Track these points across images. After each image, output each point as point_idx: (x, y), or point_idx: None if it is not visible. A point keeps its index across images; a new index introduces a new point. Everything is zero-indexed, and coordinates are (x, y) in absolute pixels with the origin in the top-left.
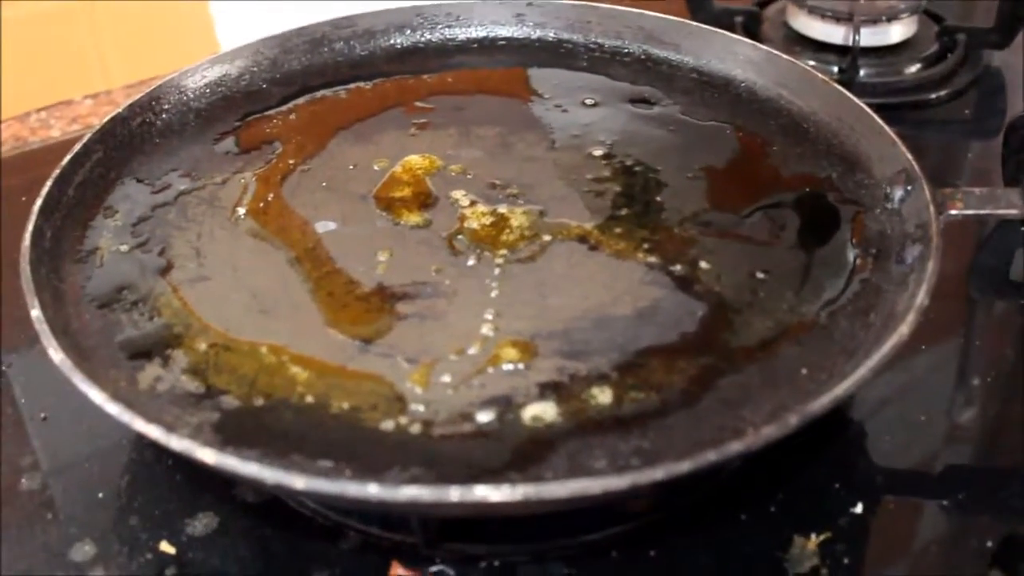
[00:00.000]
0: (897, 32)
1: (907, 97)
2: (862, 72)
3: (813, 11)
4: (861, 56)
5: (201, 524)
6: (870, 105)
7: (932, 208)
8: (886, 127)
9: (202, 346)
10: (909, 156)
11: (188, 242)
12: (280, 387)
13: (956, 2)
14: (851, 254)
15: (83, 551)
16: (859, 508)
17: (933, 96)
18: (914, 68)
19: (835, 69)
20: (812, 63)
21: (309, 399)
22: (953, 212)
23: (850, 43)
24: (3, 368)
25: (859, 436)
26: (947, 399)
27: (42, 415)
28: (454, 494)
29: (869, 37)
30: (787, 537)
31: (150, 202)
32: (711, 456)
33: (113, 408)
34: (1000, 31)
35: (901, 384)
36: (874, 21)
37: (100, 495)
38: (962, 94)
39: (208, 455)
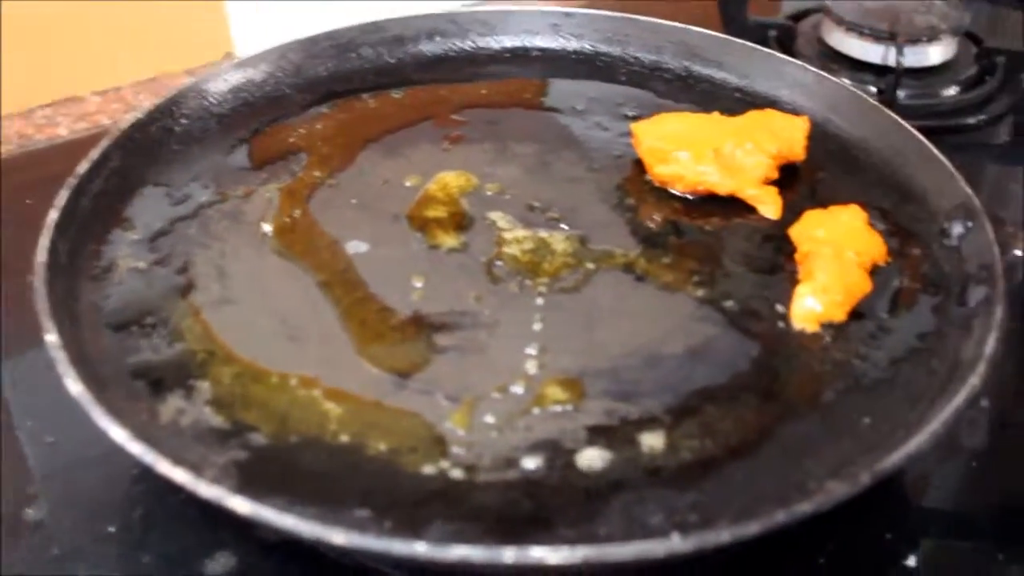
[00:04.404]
0: (937, 53)
1: (946, 121)
2: (900, 94)
3: (852, 29)
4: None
5: (220, 564)
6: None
7: (996, 248)
8: (943, 158)
9: (227, 376)
10: (968, 190)
11: (210, 260)
12: (313, 424)
13: (996, 23)
14: (915, 295)
15: None
16: (912, 561)
17: (972, 121)
18: (953, 91)
19: (873, 90)
20: (848, 82)
21: (344, 438)
22: (1018, 253)
23: (888, 63)
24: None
25: (906, 480)
26: (997, 439)
27: (48, 439)
28: (508, 555)
29: (908, 57)
30: None
31: (169, 215)
32: (780, 517)
33: (136, 448)
34: None
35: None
36: (914, 41)
37: (111, 529)
38: (1001, 119)
39: (241, 505)
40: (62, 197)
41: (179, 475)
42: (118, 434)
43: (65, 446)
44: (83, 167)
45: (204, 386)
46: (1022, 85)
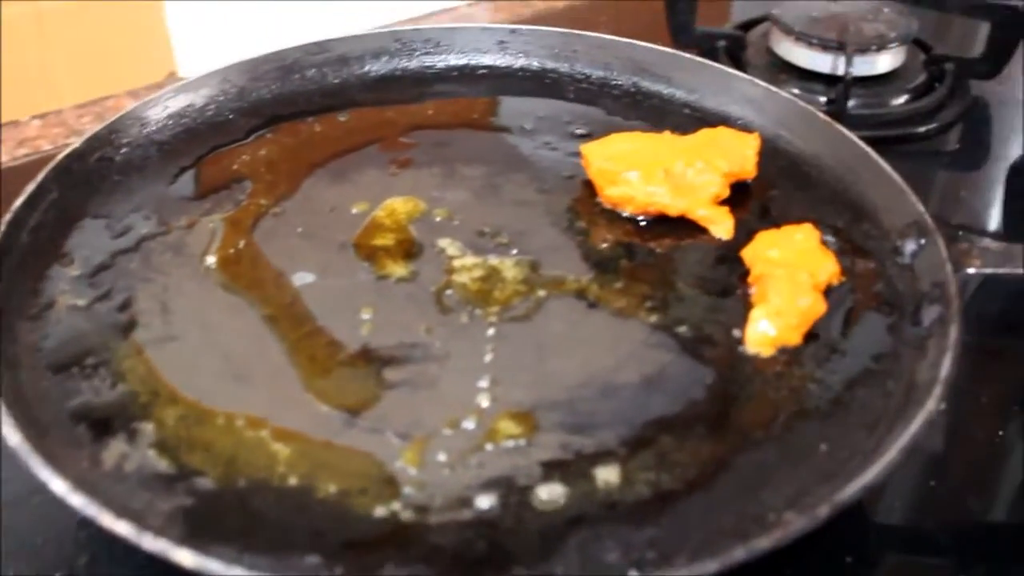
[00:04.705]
0: (886, 62)
1: (895, 130)
2: (849, 103)
3: (801, 38)
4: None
5: None
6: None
7: (949, 266)
8: (895, 175)
9: (171, 418)
10: (920, 207)
11: (153, 296)
12: (261, 467)
13: (944, 30)
14: (869, 315)
15: None
16: None
17: (922, 129)
18: (902, 99)
19: (822, 99)
20: (796, 91)
21: (293, 481)
22: (971, 271)
23: (838, 72)
24: None
25: (864, 500)
26: (956, 455)
27: None
28: None
29: (857, 66)
30: None
31: (110, 248)
32: (739, 554)
33: (77, 500)
34: (989, 60)
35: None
36: (863, 50)
37: None
38: (951, 126)
39: (187, 558)
40: None
41: (122, 528)
42: (58, 486)
43: (7, 490)
44: (18, 201)
45: (148, 429)
46: (971, 92)
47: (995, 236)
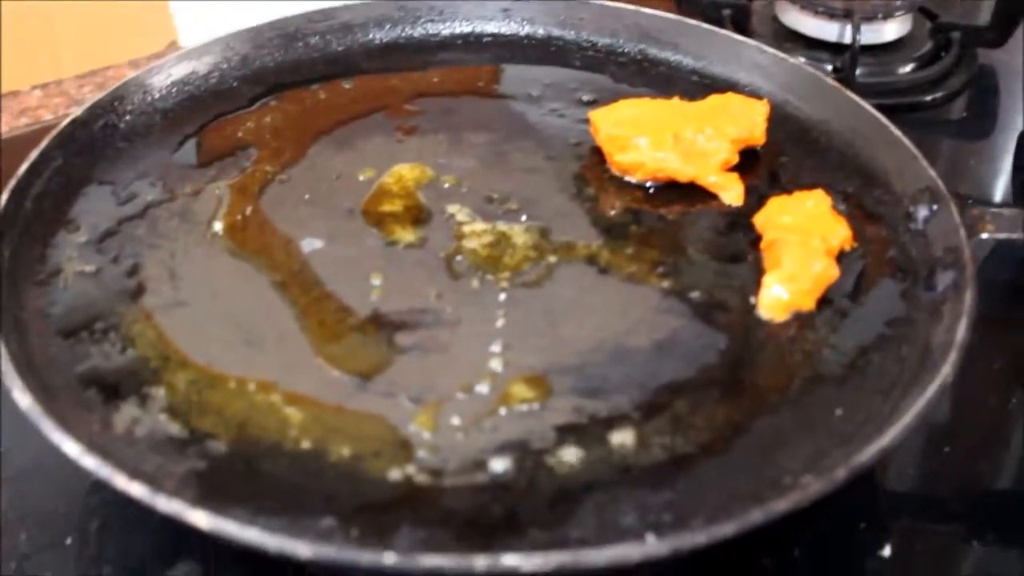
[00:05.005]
0: (892, 30)
1: (902, 99)
2: (856, 72)
3: (806, 7)
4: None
5: (183, 573)
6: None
7: (963, 231)
8: (905, 139)
9: (182, 383)
10: (932, 172)
11: (160, 262)
12: (273, 430)
13: None
14: (882, 280)
15: None
16: (887, 551)
17: (928, 98)
18: (908, 68)
19: (829, 68)
20: (803, 60)
21: (305, 444)
22: (984, 236)
23: (844, 40)
24: None
25: (877, 467)
26: (967, 423)
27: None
28: (480, 563)
29: (864, 34)
30: None
31: (116, 215)
32: (756, 516)
33: (90, 462)
34: (996, 29)
35: None
36: (870, 18)
37: (68, 541)
38: (957, 95)
39: (201, 519)
40: (1, 201)
41: (136, 489)
42: (71, 448)
43: (18, 455)
44: (23, 168)
45: (159, 393)
46: (977, 60)
47: (1004, 205)
